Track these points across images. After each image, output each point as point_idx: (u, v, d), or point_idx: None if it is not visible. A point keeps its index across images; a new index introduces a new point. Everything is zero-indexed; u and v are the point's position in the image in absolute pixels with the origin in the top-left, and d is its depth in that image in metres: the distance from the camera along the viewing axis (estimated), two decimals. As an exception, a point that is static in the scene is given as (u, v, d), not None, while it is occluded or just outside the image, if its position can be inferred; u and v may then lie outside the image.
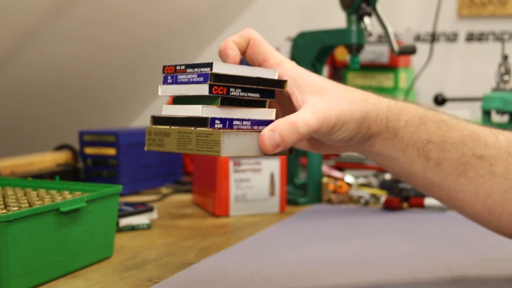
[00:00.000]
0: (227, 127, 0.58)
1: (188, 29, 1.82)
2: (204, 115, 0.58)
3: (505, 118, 1.27)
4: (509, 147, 0.65)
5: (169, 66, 0.62)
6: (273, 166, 1.12)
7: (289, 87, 0.62)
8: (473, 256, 0.82)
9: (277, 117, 0.62)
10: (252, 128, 0.60)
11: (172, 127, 0.60)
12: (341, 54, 1.62)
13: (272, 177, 1.12)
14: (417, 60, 1.70)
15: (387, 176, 1.33)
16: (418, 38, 1.77)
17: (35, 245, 0.68)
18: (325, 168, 1.32)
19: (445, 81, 1.76)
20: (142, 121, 2.03)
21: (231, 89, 0.58)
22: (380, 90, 1.62)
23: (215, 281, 0.72)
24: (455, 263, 0.79)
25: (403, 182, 1.17)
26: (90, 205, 0.76)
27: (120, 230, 0.95)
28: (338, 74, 1.68)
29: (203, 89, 0.58)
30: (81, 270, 0.75)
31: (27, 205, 0.72)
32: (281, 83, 0.62)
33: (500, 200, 0.64)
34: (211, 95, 0.57)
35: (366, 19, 1.15)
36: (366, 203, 1.19)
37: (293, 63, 0.64)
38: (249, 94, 0.60)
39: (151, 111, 2.02)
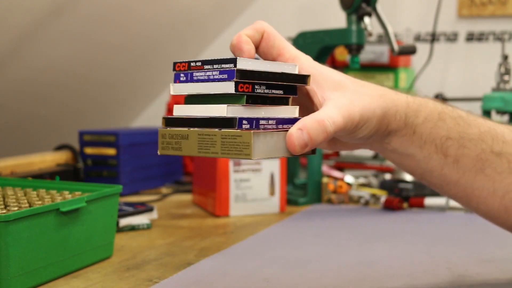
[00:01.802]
0: (254, 127, 0.54)
1: (188, 29, 1.82)
2: (230, 115, 0.53)
3: (505, 118, 1.27)
4: None
5: (181, 62, 0.57)
6: (273, 166, 1.12)
7: None
8: (473, 256, 0.82)
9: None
10: (277, 127, 0.56)
11: (191, 129, 0.55)
12: (341, 54, 1.62)
13: (272, 177, 1.12)
14: (417, 60, 1.70)
15: (387, 176, 1.34)
16: (418, 38, 1.77)
17: (35, 245, 0.68)
18: (325, 168, 1.32)
19: (445, 81, 1.76)
20: (142, 121, 2.03)
21: (256, 86, 0.54)
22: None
23: (215, 281, 0.72)
24: (455, 263, 0.79)
25: (403, 182, 1.18)
26: (90, 205, 0.76)
27: (120, 230, 0.95)
28: (338, 74, 1.68)
29: (227, 87, 0.53)
30: (81, 270, 0.75)
31: (27, 205, 0.72)
32: (304, 78, 0.58)
33: None
34: (236, 93, 0.53)
35: (366, 19, 1.15)
36: (366, 203, 1.19)
37: (309, 57, 0.60)
38: (273, 91, 0.56)
39: (151, 111, 2.02)
